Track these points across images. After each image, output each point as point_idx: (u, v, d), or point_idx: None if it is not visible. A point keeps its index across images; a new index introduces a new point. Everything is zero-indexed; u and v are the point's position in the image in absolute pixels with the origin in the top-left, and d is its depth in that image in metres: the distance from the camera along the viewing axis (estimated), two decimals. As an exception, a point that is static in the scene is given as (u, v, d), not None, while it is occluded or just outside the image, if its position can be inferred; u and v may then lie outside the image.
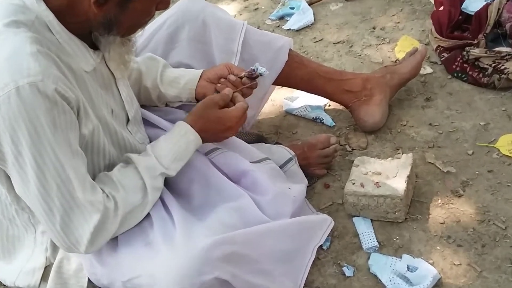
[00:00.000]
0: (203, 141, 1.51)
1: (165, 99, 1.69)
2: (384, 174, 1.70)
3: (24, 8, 1.26)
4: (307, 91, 2.02)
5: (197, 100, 1.65)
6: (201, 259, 1.29)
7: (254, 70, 1.58)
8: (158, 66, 1.67)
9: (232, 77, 1.59)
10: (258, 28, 2.60)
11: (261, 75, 1.59)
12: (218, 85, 1.62)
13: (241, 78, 1.59)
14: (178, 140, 1.46)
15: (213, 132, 1.53)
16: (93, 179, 1.33)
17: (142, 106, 1.65)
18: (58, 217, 1.25)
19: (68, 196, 1.25)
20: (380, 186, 1.66)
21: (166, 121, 1.62)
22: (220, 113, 1.51)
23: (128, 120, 1.52)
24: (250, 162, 1.60)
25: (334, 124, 2.06)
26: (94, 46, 1.38)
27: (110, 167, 1.43)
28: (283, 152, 1.77)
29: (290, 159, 1.76)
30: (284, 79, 1.90)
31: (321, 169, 1.86)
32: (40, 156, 1.21)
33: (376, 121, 1.96)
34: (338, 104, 2.05)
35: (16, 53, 1.20)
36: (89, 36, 1.36)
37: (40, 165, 1.22)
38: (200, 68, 1.71)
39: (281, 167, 1.72)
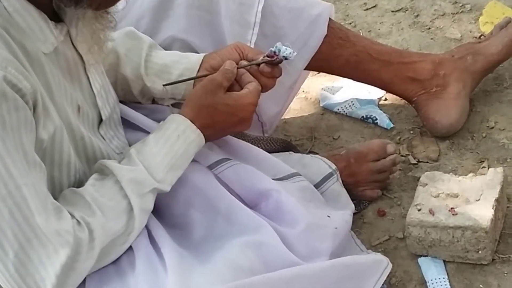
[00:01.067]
0: (206, 140, 1.52)
1: (151, 94, 1.70)
2: (463, 196, 1.70)
3: None
4: (354, 79, 2.03)
5: None
6: None
7: (275, 52, 1.58)
8: (142, 47, 1.68)
9: (244, 62, 1.59)
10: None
11: (285, 58, 1.58)
12: None
13: (258, 64, 1.60)
14: (175, 142, 1.47)
15: (220, 128, 1.54)
16: (55, 200, 1.35)
17: (120, 101, 1.67)
18: (11, 255, 1.25)
19: (24, 224, 1.25)
20: (456, 214, 1.66)
21: (152, 121, 1.64)
22: (229, 99, 1.52)
23: (100, 121, 1.54)
24: (273, 179, 1.61)
25: (392, 125, 2.06)
26: (56, 17, 1.39)
27: (75, 184, 1.44)
28: (321, 164, 1.78)
29: (330, 175, 1.76)
30: (322, 62, 1.90)
31: (373, 190, 1.86)
32: None
33: (452, 121, 1.96)
34: (398, 97, 2.05)
35: None
36: (49, 4, 1.37)
37: None
38: (202, 47, 1.72)
39: (316, 186, 1.73)
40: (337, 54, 1.90)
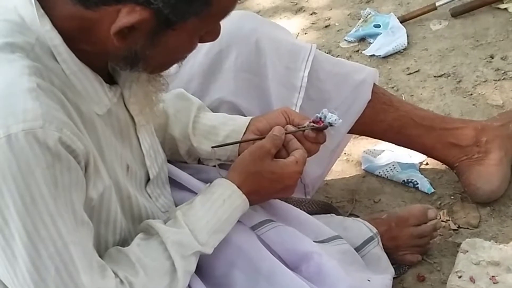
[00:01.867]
0: (250, 204, 1.54)
1: (197, 155, 1.73)
2: (504, 264, 1.69)
3: (22, 27, 1.29)
4: (396, 143, 2.04)
5: None
6: None
7: (321, 118, 1.60)
8: (191, 109, 1.71)
9: (291, 128, 1.60)
10: (329, 53, 2.65)
11: (330, 125, 1.60)
12: None
13: (304, 130, 1.61)
14: (220, 206, 1.49)
15: (265, 193, 1.56)
16: (100, 257, 1.36)
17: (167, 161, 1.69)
18: None
19: (70, 282, 1.26)
20: (497, 282, 1.65)
21: (198, 181, 1.66)
22: (276, 167, 1.53)
23: (148, 179, 1.56)
24: (315, 241, 1.62)
25: (433, 190, 2.06)
26: (110, 79, 1.43)
27: (120, 242, 1.46)
28: (362, 228, 1.78)
29: (371, 239, 1.77)
30: (365, 126, 1.93)
31: (413, 254, 1.86)
32: (34, 227, 1.23)
33: (493, 188, 1.96)
34: (439, 162, 2.06)
35: (9, 89, 1.23)
36: (105, 67, 1.41)
37: (33, 240, 1.24)
38: (249, 109, 1.75)
39: (357, 249, 1.73)
40: (380, 119, 1.92)
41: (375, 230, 1.78)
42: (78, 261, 1.27)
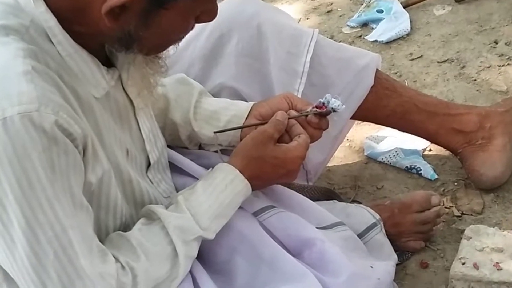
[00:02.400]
0: (253, 190, 1.53)
1: (198, 140, 1.72)
2: (508, 251, 1.68)
3: (16, 9, 1.29)
4: (399, 129, 2.03)
5: None
6: None
7: (324, 103, 1.59)
8: (192, 93, 1.70)
9: (293, 113, 1.60)
10: (331, 38, 2.64)
11: (334, 110, 1.58)
12: None
13: (306, 115, 1.61)
14: (222, 191, 1.48)
15: (268, 178, 1.55)
16: (101, 242, 1.36)
17: (167, 146, 1.69)
18: None
19: (69, 266, 1.26)
20: (501, 269, 1.64)
21: (199, 166, 1.65)
22: (278, 152, 1.52)
23: (148, 164, 1.56)
24: (317, 227, 1.61)
25: (436, 176, 2.05)
26: (108, 62, 1.42)
27: (121, 227, 1.45)
28: (365, 214, 1.77)
29: (374, 225, 1.76)
30: (368, 112, 1.92)
31: (417, 241, 1.85)
32: (31, 212, 1.23)
33: (497, 174, 1.95)
34: (442, 148, 2.05)
35: (3, 72, 1.22)
36: (102, 49, 1.40)
37: (31, 224, 1.23)
38: (250, 94, 1.74)
39: (360, 235, 1.72)
40: (383, 104, 1.91)
41: (378, 217, 1.77)
42: (77, 245, 1.27)
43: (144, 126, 1.53)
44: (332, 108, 1.58)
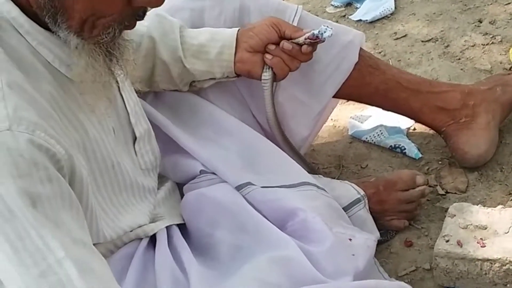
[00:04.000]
0: None
1: (190, 78, 1.72)
2: (492, 228, 1.69)
3: None
4: (383, 108, 2.03)
5: (238, 75, 1.70)
6: None
7: (318, 37, 1.63)
8: (174, 31, 1.70)
9: (287, 45, 1.63)
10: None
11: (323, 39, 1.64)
12: (267, 56, 1.66)
13: (301, 45, 1.64)
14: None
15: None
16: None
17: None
18: None
19: None
20: (485, 246, 1.65)
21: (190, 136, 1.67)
22: None
23: (135, 138, 1.55)
24: (293, 184, 1.63)
25: (420, 155, 2.06)
26: None
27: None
28: (349, 189, 1.78)
29: (358, 201, 1.76)
30: (352, 90, 1.91)
31: (400, 220, 1.86)
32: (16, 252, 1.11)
33: (481, 152, 1.95)
34: (426, 127, 2.06)
35: None
36: None
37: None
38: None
39: (344, 210, 1.73)
40: (367, 82, 1.91)
41: (362, 193, 1.78)
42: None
43: (130, 100, 1.53)
44: (325, 37, 1.64)
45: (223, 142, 1.71)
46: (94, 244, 1.28)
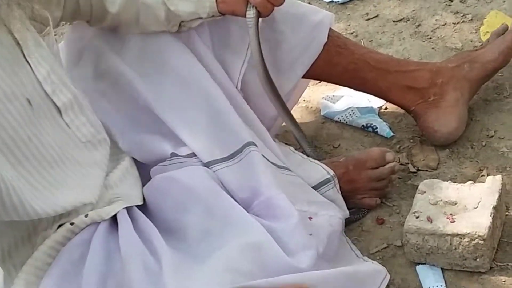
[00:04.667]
0: None
1: (177, 19, 1.71)
2: (461, 204, 1.70)
3: None
4: (352, 88, 2.04)
5: (222, 14, 1.70)
6: None
7: None
8: None
9: None
10: None
11: None
12: None
13: None
14: None
15: None
16: None
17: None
18: None
19: None
20: (455, 221, 1.66)
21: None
22: None
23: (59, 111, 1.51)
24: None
25: (392, 134, 2.07)
26: None
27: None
28: (318, 170, 1.79)
29: (328, 181, 1.77)
30: (321, 70, 1.92)
31: (372, 198, 1.87)
32: None
33: (451, 130, 1.96)
34: (397, 106, 2.06)
35: None
36: None
37: None
38: (207, 44, 1.76)
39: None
40: (335, 62, 1.91)
41: (332, 173, 1.79)
42: None
43: (40, 68, 1.48)
44: None
45: (191, 114, 1.70)
46: (34, 227, 1.35)
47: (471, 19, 2.38)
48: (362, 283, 1.57)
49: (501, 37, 2.04)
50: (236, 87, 1.79)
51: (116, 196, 1.57)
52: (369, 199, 1.87)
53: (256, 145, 1.68)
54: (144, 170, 1.70)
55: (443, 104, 1.96)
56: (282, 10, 1.81)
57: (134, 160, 1.72)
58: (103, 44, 1.75)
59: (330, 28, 1.90)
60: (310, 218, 1.62)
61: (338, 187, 1.78)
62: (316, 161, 1.83)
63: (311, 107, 2.21)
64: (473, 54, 2.03)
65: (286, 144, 2.07)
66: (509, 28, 2.06)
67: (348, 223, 1.82)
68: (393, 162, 1.87)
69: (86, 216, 1.49)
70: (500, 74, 2.09)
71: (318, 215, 1.64)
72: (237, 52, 1.80)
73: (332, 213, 1.68)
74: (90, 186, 1.52)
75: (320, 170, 1.79)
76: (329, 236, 1.63)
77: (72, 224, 1.47)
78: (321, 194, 1.75)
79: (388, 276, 1.65)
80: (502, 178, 1.76)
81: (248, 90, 1.81)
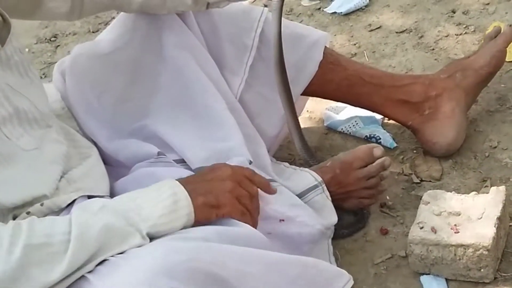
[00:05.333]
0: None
1: (204, 0, 1.69)
2: (465, 214, 1.70)
3: None
4: (348, 103, 2.05)
5: None
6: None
7: None
8: None
9: None
10: (290, 12, 2.65)
11: None
12: None
13: None
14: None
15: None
16: None
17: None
18: None
19: None
20: (459, 232, 1.66)
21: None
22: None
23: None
24: None
25: (395, 145, 2.07)
26: None
27: None
28: (305, 177, 1.77)
29: (315, 187, 1.75)
30: (315, 87, 1.93)
31: (367, 199, 1.87)
32: None
33: (450, 141, 1.97)
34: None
35: None
36: None
37: None
38: (202, 64, 1.75)
39: (300, 196, 1.73)
40: (329, 79, 1.93)
41: (319, 179, 1.77)
42: None
43: None
44: None
45: (182, 120, 1.71)
46: None
47: (474, 31, 2.38)
48: (320, 278, 1.50)
49: (493, 41, 2.02)
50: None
51: (78, 189, 1.55)
52: (365, 200, 1.86)
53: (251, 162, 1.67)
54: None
55: (439, 116, 1.96)
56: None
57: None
58: None
59: (325, 47, 1.92)
60: (281, 220, 1.61)
61: (327, 193, 1.76)
62: (306, 169, 1.81)
63: (315, 118, 2.22)
64: (464, 62, 2.02)
65: (290, 154, 2.09)
66: (501, 31, 2.05)
67: (351, 233, 1.83)
68: (381, 157, 1.85)
69: (41, 204, 1.46)
70: (503, 85, 2.11)
71: (293, 220, 1.63)
72: (234, 72, 1.82)
73: (313, 223, 1.66)
74: (44, 180, 1.50)
75: (307, 177, 1.77)
76: (306, 244, 1.63)
77: (28, 213, 1.44)
78: (309, 200, 1.73)
79: (352, 282, 1.55)
80: (506, 189, 1.76)
81: (246, 110, 1.82)
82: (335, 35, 2.51)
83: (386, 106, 1.98)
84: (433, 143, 1.97)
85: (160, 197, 1.40)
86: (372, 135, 2.09)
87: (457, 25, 2.43)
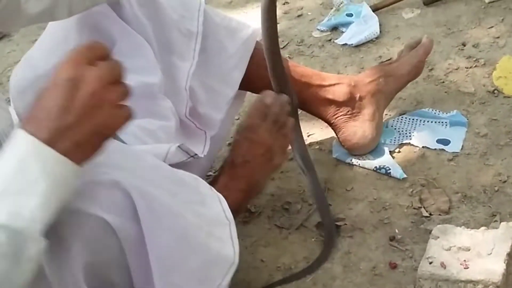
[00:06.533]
0: None
1: None
2: (475, 250, 1.69)
3: None
4: None
5: None
6: None
7: None
8: None
9: None
10: (301, 42, 2.67)
11: None
12: None
13: None
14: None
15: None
16: None
17: None
18: None
19: None
20: (468, 267, 1.65)
21: None
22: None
23: None
24: None
25: (405, 176, 2.06)
26: None
27: None
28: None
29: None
30: (252, 83, 2.03)
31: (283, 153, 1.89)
32: None
33: (367, 142, 2.10)
34: (411, 148, 2.11)
35: None
36: None
37: None
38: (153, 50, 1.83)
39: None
40: (262, 75, 1.97)
41: (230, 216, 1.53)
42: None
43: None
44: None
45: None
46: None
47: (484, 64, 2.38)
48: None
49: (414, 51, 2.17)
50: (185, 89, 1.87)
51: None
52: (285, 139, 1.88)
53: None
54: None
55: (361, 118, 2.08)
56: (216, 21, 1.96)
57: None
58: None
59: (258, 42, 2.01)
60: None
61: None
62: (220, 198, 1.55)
63: (324, 149, 2.22)
64: (387, 68, 2.14)
65: (299, 185, 2.09)
66: (421, 42, 2.17)
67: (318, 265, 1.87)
68: (271, 101, 1.85)
69: None
70: (513, 120, 2.10)
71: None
72: (183, 57, 1.88)
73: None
74: None
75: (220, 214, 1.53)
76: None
77: None
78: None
79: (235, 266, 1.43)
80: (516, 225, 1.75)
81: (194, 97, 1.91)
82: (345, 66, 2.52)
83: (313, 104, 2.09)
84: (352, 144, 2.09)
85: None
86: (381, 166, 2.09)
87: (467, 58, 2.43)
